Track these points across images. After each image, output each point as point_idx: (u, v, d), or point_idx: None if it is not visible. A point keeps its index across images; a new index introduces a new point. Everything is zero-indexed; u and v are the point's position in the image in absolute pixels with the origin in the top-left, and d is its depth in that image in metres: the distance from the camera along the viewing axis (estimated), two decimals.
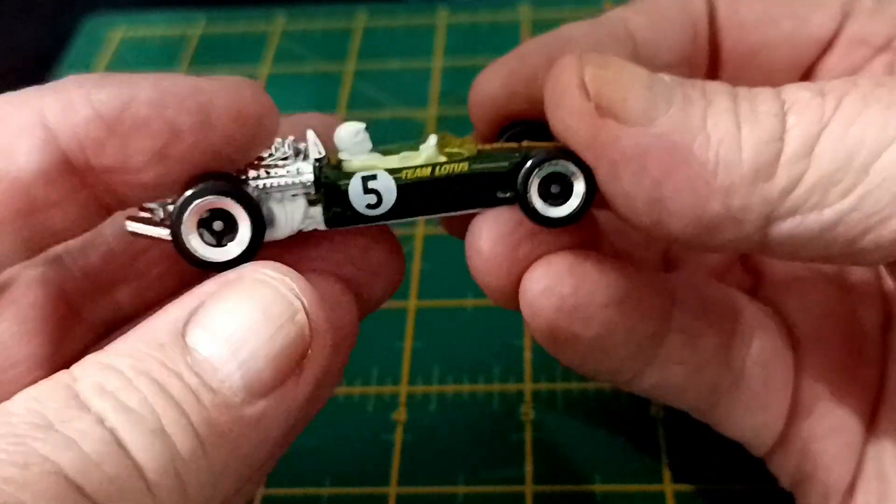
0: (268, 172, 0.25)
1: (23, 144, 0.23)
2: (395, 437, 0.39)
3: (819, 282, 0.32)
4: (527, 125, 0.29)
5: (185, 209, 0.24)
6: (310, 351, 0.23)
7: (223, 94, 0.24)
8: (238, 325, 0.22)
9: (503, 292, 0.27)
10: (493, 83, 0.29)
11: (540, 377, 0.40)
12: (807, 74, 0.31)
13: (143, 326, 0.22)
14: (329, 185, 0.26)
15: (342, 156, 0.26)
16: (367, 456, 0.38)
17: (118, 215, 0.26)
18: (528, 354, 0.41)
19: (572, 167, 0.25)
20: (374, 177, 0.26)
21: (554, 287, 0.26)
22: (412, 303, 0.44)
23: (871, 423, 0.30)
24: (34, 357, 0.25)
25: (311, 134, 0.26)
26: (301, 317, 0.22)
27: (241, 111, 0.24)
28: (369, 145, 0.26)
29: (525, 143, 0.27)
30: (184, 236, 0.24)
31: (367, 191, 0.26)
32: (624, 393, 0.39)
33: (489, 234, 0.26)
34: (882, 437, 0.29)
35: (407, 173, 0.26)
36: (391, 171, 0.26)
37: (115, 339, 0.22)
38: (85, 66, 0.59)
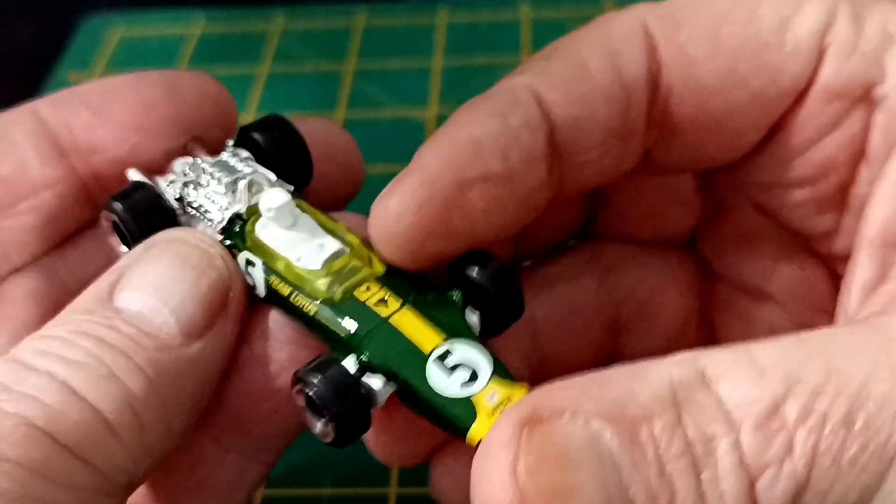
0: (196, 206, 0.26)
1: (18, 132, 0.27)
2: None
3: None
4: (469, 258, 0.25)
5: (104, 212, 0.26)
6: (231, 292, 0.24)
7: (188, 75, 0.28)
8: (162, 278, 0.23)
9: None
10: (400, 223, 0.24)
11: None
12: (775, 130, 0.27)
13: (70, 304, 0.23)
14: (229, 246, 0.25)
15: (260, 221, 0.25)
16: (367, 456, 0.38)
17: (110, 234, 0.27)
18: None
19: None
20: (252, 264, 0.25)
21: None
22: None
23: None
24: None
25: (242, 185, 0.26)
26: (219, 262, 0.24)
27: (204, 87, 0.28)
28: (288, 222, 0.25)
29: (405, 308, 0.24)
30: (104, 235, 0.27)
31: (246, 271, 0.25)
32: None
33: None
34: None
35: (273, 281, 0.25)
36: (266, 270, 0.25)
37: None
38: (84, 66, 0.59)
